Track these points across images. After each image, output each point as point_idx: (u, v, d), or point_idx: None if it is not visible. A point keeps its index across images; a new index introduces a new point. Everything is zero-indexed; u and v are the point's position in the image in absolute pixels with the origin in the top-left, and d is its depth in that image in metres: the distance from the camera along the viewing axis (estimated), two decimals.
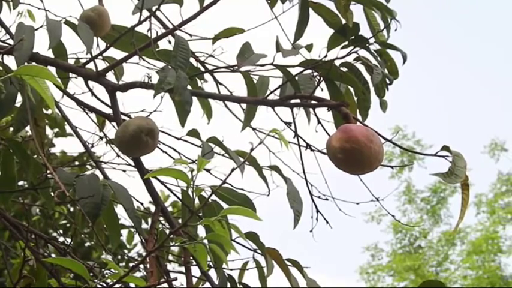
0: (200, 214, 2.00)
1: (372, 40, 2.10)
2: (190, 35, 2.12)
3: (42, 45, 1.91)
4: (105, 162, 2.51)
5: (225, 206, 1.99)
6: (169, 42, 2.10)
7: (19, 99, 1.86)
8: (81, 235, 3.75)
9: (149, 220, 3.28)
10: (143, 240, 2.42)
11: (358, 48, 2.07)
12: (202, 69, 2.27)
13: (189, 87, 1.87)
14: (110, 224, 2.00)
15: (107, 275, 1.56)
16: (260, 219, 1.53)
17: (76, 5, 2.28)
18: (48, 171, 1.72)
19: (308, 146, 2.23)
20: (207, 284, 2.05)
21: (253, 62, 2.05)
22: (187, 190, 2.08)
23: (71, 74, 2.22)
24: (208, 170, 2.22)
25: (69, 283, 2.29)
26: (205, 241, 1.53)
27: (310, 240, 2.21)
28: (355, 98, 2.09)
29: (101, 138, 2.43)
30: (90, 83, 2.12)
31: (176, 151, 2.28)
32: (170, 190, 2.27)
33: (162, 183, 2.22)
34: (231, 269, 2.09)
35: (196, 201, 1.90)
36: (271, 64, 2.07)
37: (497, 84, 21.92)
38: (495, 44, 22.06)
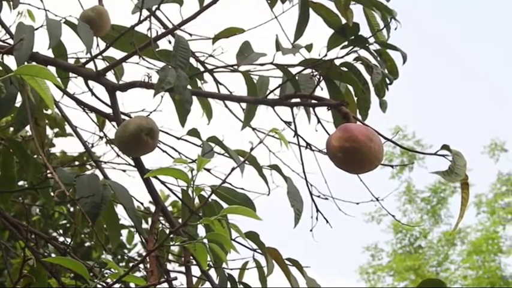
0: (200, 214, 2.00)
1: (371, 40, 2.10)
2: (191, 35, 2.12)
3: (42, 45, 1.91)
4: (105, 162, 2.51)
5: (225, 205, 1.99)
6: (169, 42, 2.10)
7: (19, 99, 1.86)
8: (81, 235, 3.75)
9: (149, 220, 3.28)
10: (143, 240, 2.42)
11: (358, 48, 2.07)
12: (202, 69, 2.27)
13: (188, 86, 1.87)
14: (110, 224, 2.00)
15: (106, 275, 1.56)
16: (260, 218, 1.53)
17: (76, 5, 2.28)
18: (48, 171, 1.71)
19: (308, 146, 2.23)
20: (207, 284, 2.05)
21: (253, 60, 2.05)
22: (187, 190, 2.08)
23: (70, 74, 2.22)
24: (208, 170, 2.21)
25: (69, 283, 2.29)
26: (205, 240, 1.53)
27: (310, 240, 2.21)
28: (355, 98, 2.09)
29: (101, 138, 2.43)
30: (90, 82, 2.12)
31: (176, 151, 2.29)
32: (170, 190, 2.27)
33: (162, 182, 2.22)
34: (231, 269, 2.09)
35: (196, 200, 1.90)
36: (271, 63, 2.07)
37: (497, 85, 21.93)
38: (495, 44, 22.07)
